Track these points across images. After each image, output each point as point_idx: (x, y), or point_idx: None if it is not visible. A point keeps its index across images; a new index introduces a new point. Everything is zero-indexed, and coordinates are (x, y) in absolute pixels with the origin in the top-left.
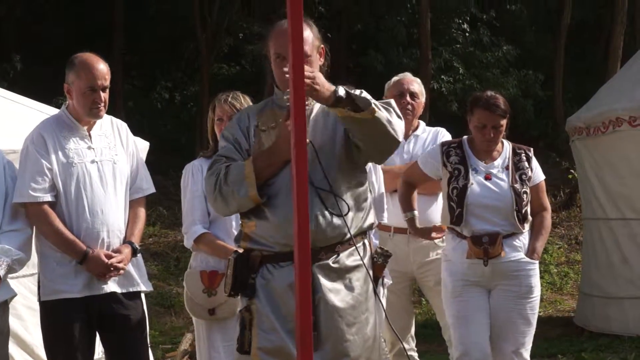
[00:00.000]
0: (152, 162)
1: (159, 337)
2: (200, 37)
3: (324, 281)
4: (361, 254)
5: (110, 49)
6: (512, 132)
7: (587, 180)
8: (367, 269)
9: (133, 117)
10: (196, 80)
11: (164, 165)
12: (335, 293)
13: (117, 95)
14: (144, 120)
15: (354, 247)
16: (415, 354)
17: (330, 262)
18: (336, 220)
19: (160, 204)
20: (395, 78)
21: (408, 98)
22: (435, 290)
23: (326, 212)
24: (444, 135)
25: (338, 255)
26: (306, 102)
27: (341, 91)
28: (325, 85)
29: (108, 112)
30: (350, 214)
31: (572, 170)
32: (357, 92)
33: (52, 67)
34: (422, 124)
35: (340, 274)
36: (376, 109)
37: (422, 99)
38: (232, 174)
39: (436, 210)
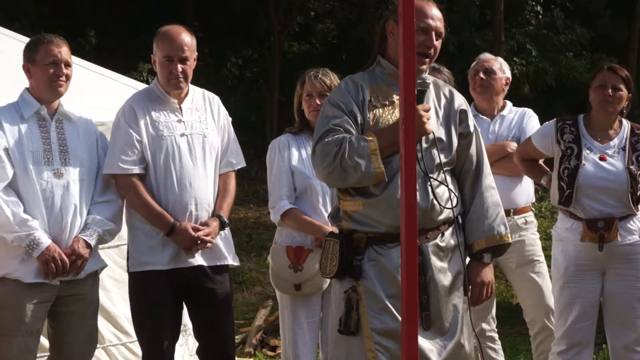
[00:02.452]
0: None
1: None
2: (273, 14)
3: (434, 260)
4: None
5: (182, 25)
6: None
7: None
8: (459, 248)
9: None
10: (266, 57)
11: None
12: (444, 273)
13: None
14: None
15: (454, 226)
16: (495, 335)
17: (438, 241)
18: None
19: None
20: (475, 60)
21: (481, 74)
22: (517, 272)
23: (436, 202)
24: (531, 115)
25: (443, 234)
26: (422, 87)
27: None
28: None
29: None
30: (455, 200)
31: None
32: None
33: (124, 43)
34: (509, 104)
35: (446, 252)
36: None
37: (501, 75)
38: (357, 148)
39: (520, 192)
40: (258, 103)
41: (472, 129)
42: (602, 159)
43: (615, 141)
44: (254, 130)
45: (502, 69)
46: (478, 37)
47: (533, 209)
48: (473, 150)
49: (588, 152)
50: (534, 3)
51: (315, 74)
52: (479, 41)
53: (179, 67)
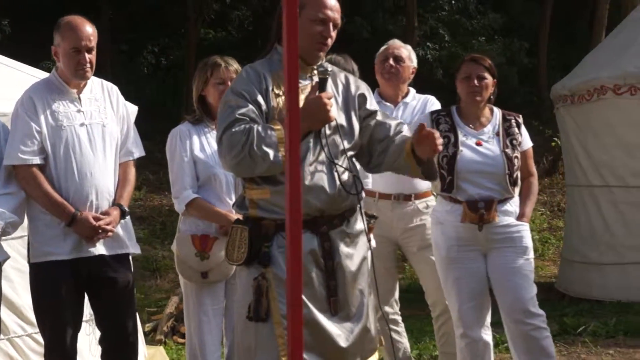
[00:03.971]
0: (138, 126)
1: (144, 300)
2: (188, 2)
3: (341, 246)
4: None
5: (97, 14)
6: (497, 99)
7: (570, 147)
8: (367, 233)
9: (119, 81)
10: (182, 45)
11: (149, 130)
12: (350, 258)
13: (104, 60)
14: (131, 84)
15: (358, 212)
16: (399, 318)
17: (344, 227)
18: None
19: (146, 168)
20: (384, 45)
21: (391, 61)
22: (418, 255)
23: (342, 188)
24: (433, 103)
25: (349, 221)
26: (324, 76)
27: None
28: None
29: (95, 77)
30: (359, 186)
31: (555, 138)
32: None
33: (38, 32)
34: (412, 91)
35: (352, 238)
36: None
37: (410, 63)
38: (264, 137)
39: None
40: (175, 90)
41: (374, 107)
42: (478, 144)
43: (488, 127)
44: (170, 117)
45: (410, 57)
46: (391, 22)
47: (434, 193)
48: (384, 120)
49: (464, 139)
50: None
51: (227, 61)
52: (392, 27)
53: (87, 57)
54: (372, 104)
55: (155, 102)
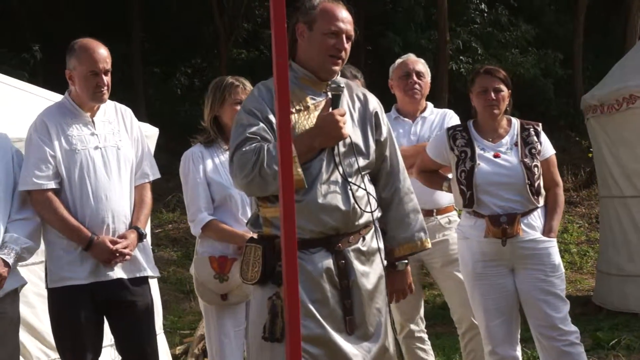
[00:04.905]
0: (173, 148)
1: (178, 323)
2: (218, 22)
3: (357, 265)
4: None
5: (129, 37)
6: (532, 111)
7: (602, 158)
8: (379, 252)
9: (153, 103)
10: (215, 65)
11: (183, 151)
12: (366, 277)
13: (137, 82)
14: (164, 106)
15: (373, 230)
16: (424, 335)
17: (360, 245)
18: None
19: (180, 190)
20: (398, 60)
21: (415, 77)
22: (442, 271)
23: (357, 206)
24: (452, 117)
25: (364, 238)
26: (336, 92)
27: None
28: None
29: (128, 99)
30: (374, 204)
31: (591, 149)
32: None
33: None
34: (430, 105)
35: (368, 256)
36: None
37: (428, 78)
38: (275, 156)
39: (442, 192)
40: None
41: (385, 131)
42: (496, 156)
43: (507, 139)
44: None
45: (427, 71)
46: (423, 37)
47: (456, 207)
48: (388, 152)
49: (482, 152)
50: (478, 1)
51: (242, 82)
52: (424, 41)
53: (105, 79)
54: (384, 126)
55: (189, 123)
